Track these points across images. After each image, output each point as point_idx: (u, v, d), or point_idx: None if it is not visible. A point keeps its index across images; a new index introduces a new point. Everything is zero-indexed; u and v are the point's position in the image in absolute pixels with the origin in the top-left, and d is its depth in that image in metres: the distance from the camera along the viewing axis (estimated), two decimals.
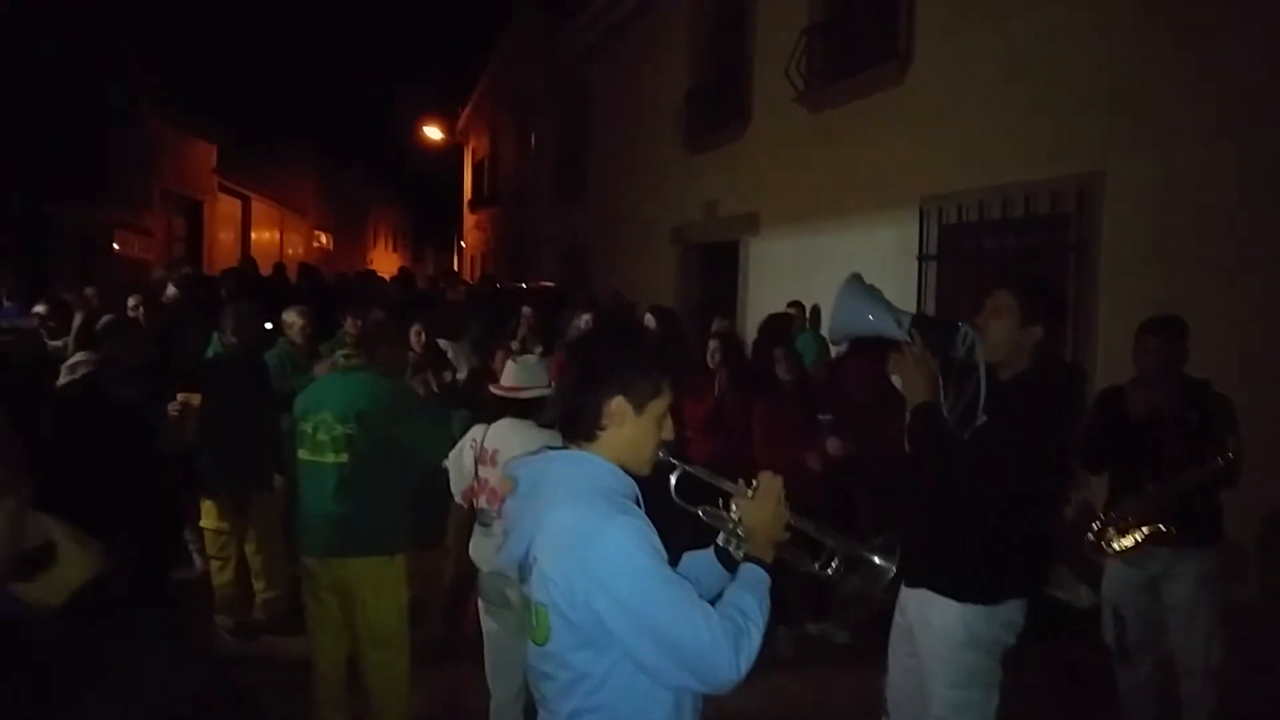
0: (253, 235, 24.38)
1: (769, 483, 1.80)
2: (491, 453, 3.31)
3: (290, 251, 26.83)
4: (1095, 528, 3.64)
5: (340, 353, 3.72)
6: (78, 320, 5.32)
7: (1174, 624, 3.59)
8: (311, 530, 3.48)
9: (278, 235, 26.98)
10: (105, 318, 4.68)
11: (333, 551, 3.42)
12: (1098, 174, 5.14)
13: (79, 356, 4.61)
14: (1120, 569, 3.66)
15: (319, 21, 58.26)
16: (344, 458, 3.38)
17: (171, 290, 6.94)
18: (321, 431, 3.40)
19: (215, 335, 4.89)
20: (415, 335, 5.69)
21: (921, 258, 6.45)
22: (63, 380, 4.34)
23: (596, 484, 1.68)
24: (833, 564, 1.89)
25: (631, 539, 1.58)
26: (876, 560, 1.85)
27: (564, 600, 1.59)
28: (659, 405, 1.76)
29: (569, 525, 1.61)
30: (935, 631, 2.60)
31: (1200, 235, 4.60)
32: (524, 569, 1.71)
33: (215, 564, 4.77)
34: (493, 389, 3.58)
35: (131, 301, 5.17)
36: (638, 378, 1.74)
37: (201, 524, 4.79)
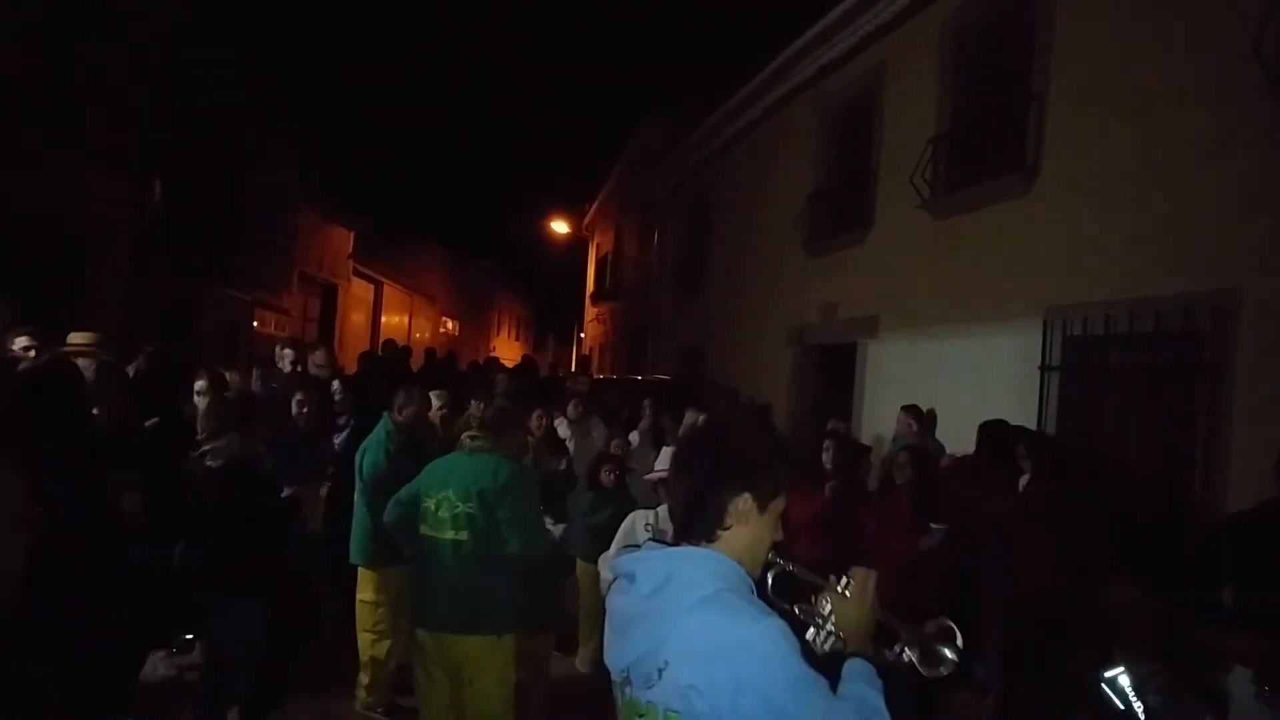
0: (383, 318, 25.73)
1: (863, 577, 1.80)
2: (663, 530, 3.49)
3: (418, 335, 28.19)
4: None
5: (467, 434, 3.88)
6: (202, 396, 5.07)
7: None
8: (428, 605, 3.65)
9: (407, 319, 28.38)
10: (241, 394, 4.96)
11: (447, 627, 3.56)
12: (1233, 290, 5.02)
13: (225, 439, 4.34)
14: (1249, 698, 3.45)
15: (459, 115, 62.26)
16: (463, 535, 3.55)
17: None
18: (444, 509, 3.59)
19: (385, 415, 5.11)
20: (537, 420, 5.95)
21: (1044, 368, 6.35)
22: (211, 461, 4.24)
23: (728, 584, 1.62)
24: (903, 652, 1.87)
25: (781, 642, 1.53)
26: (942, 650, 1.83)
27: (706, 707, 1.51)
28: (779, 504, 1.74)
29: (716, 630, 1.54)
30: None
31: None
32: (639, 672, 1.62)
33: (368, 638, 4.85)
34: (646, 478, 3.78)
35: (298, 397, 5.35)
36: (765, 475, 1.71)
37: (360, 597, 4.92)
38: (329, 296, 21.79)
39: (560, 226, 25.96)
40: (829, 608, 1.83)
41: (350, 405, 6.16)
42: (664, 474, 3.61)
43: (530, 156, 66.35)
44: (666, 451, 3.71)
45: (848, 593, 1.80)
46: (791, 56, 10.84)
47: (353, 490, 4.99)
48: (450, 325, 34.73)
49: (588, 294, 27.75)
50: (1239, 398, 4.96)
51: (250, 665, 3.95)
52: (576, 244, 28.99)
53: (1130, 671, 4.67)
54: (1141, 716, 4.56)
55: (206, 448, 4.14)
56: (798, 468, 5.82)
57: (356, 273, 23.15)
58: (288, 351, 6.40)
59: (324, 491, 4.77)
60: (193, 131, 13.30)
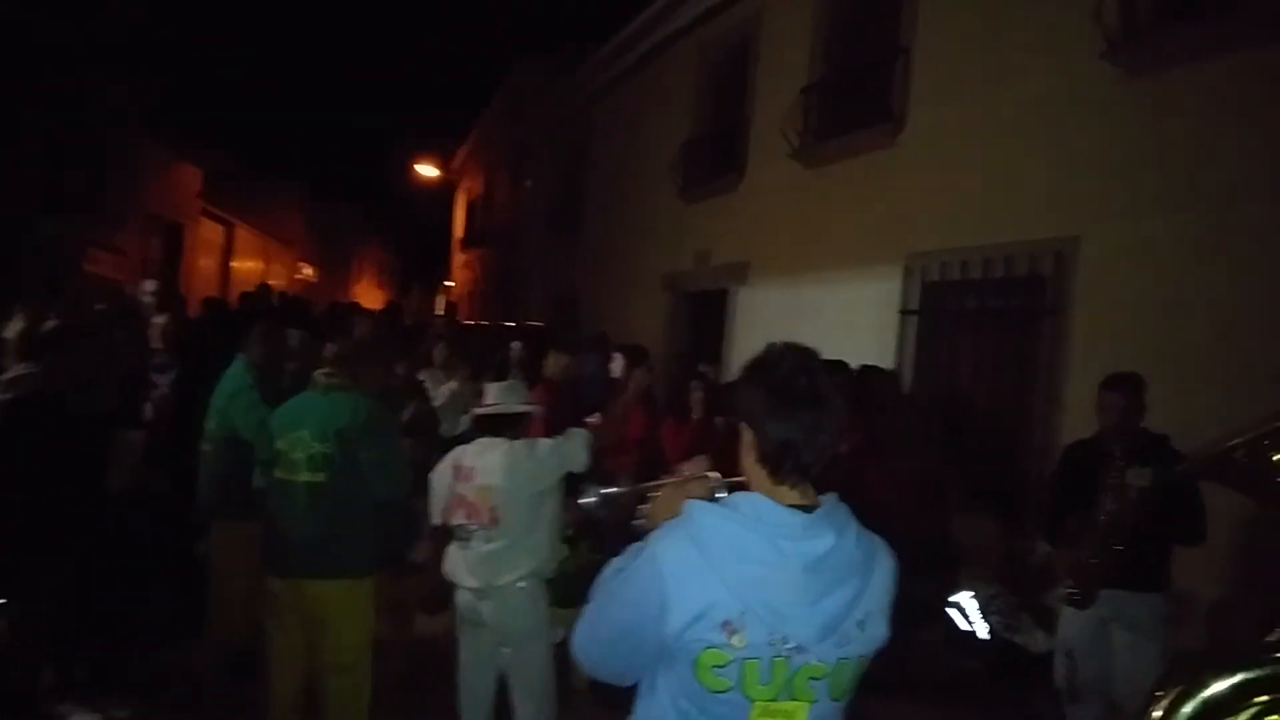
0: (234, 263, 24.34)
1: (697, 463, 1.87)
2: (468, 469, 3.43)
3: (273, 281, 26.82)
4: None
5: (321, 371, 3.66)
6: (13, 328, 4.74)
7: (1119, 666, 3.74)
8: (281, 550, 3.47)
9: (261, 264, 26.96)
10: (50, 323, 4.39)
11: (302, 572, 3.41)
12: (1073, 239, 5.40)
13: (20, 369, 4.02)
14: (1074, 612, 3.82)
15: (319, 52, 59.07)
16: (320, 477, 3.39)
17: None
18: (298, 450, 3.41)
19: (238, 356, 4.58)
20: (402, 370, 5.83)
21: (904, 312, 6.68)
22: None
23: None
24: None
25: None
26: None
27: (881, 642, 1.62)
28: None
29: (890, 568, 1.65)
30: None
31: (1168, 301, 4.84)
32: (837, 632, 1.55)
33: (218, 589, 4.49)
34: (475, 410, 3.71)
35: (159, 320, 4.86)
36: None
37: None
38: (173, 237, 20.39)
39: (428, 170, 25.09)
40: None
41: (174, 343, 5.71)
42: (492, 404, 3.55)
43: (398, 98, 63.77)
44: (491, 386, 3.65)
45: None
46: (669, 2, 10.80)
47: (184, 438, 4.61)
48: (308, 271, 33.22)
49: (456, 240, 27.12)
50: (1076, 339, 5.37)
51: (51, 632, 3.63)
52: (445, 188, 28.16)
53: (976, 595, 5.06)
54: (984, 635, 4.96)
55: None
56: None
57: (206, 213, 21.72)
58: (149, 283, 5.88)
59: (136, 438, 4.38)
60: (22, 42, 12.02)
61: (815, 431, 1.57)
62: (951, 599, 5.18)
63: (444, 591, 3.61)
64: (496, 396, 3.57)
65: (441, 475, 3.55)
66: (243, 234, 24.90)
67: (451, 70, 60.97)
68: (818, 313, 7.75)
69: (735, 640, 1.49)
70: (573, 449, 3.54)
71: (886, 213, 7.04)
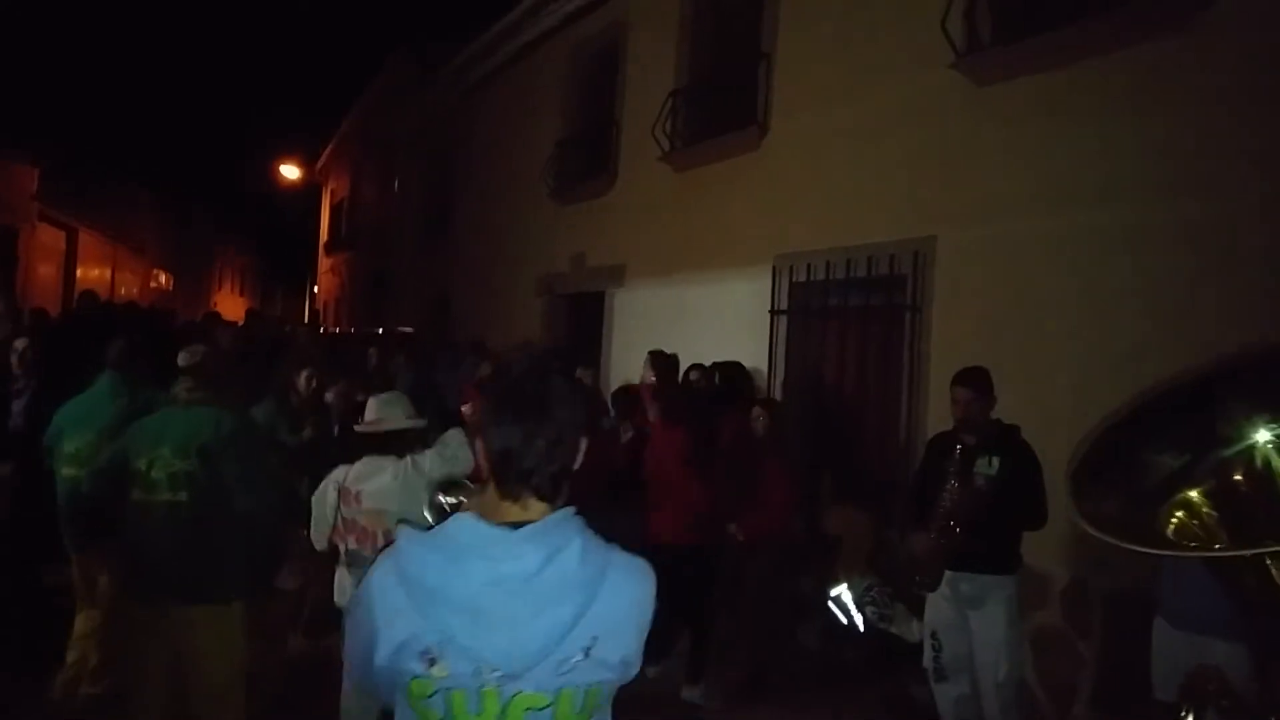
0: (79, 270, 22.72)
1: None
2: (355, 493, 3.30)
3: (123, 290, 25.21)
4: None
5: (182, 385, 3.48)
6: None
7: (976, 645, 3.96)
8: (142, 575, 3.29)
9: (109, 272, 25.27)
10: None
11: (166, 598, 3.24)
12: (930, 238, 5.66)
13: None
14: (936, 597, 4.03)
15: (173, 44, 55.80)
16: (182, 495, 3.23)
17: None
18: (158, 468, 3.24)
19: (107, 370, 4.40)
20: (306, 380, 5.57)
21: (774, 312, 6.84)
22: None
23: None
24: None
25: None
26: None
27: (626, 667, 1.50)
28: None
29: (628, 588, 1.51)
30: None
31: (1018, 297, 5.14)
32: (549, 661, 1.43)
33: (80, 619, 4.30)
34: (356, 427, 3.58)
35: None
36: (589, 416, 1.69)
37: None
38: (6, 242, 18.87)
39: (291, 171, 24.09)
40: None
41: (32, 366, 5.34)
42: (373, 422, 3.45)
43: (259, 95, 60.91)
44: (372, 401, 3.55)
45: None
46: (538, 1, 10.72)
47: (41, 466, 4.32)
48: (164, 279, 31.38)
49: (321, 244, 26.18)
50: (937, 334, 5.63)
51: None
52: (308, 190, 27.11)
53: (851, 587, 5.22)
54: (861, 627, 5.12)
55: None
56: None
57: (44, 217, 20.16)
58: None
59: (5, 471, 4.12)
60: None
61: (534, 439, 1.49)
62: (830, 594, 5.34)
63: (326, 615, 3.47)
64: (379, 412, 3.46)
65: (323, 497, 3.40)
66: (87, 239, 23.25)
67: (315, 67, 58.73)
68: (694, 314, 7.86)
69: (436, 670, 1.41)
70: (453, 453, 3.44)
71: (755, 215, 7.20)
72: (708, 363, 6.38)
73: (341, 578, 3.36)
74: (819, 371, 6.62)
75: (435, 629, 1.41)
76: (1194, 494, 1.06)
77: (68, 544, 4.24)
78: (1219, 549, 1.01)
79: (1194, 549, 1.05)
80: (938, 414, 5.45)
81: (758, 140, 7.21)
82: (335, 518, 3.31)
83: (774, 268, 6.85)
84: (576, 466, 1.55)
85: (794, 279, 6.71)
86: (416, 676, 1.42)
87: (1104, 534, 1.05)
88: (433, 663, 1.41)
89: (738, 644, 5.34)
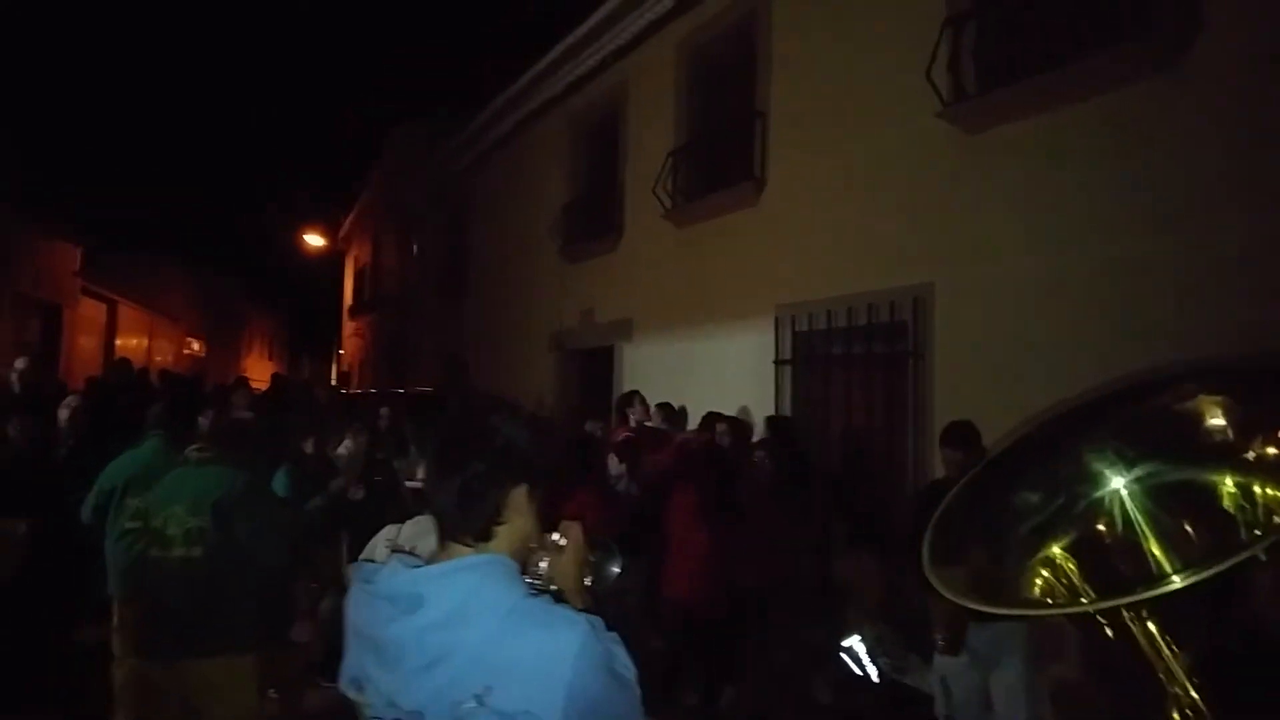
0: (119, 341, 23.39)
1: (572, 531, 1.75)
2: (410, 550, 3.37)
3: (159, 358, 25.83)
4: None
5: (193, 447, 3.65)
6: None
7: (994, 696, 3.90)
8: (154, 631, 3.38)
9: (146, 341, 25.96)
10: None
11: (179, 653, 3.30)
12: (928, 285, 5.70)
13: None
14: None
15: (201, 127, 57.60)
16: (196, 551, 3.33)
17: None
18: (172, 525, 3.35)
19: (151, 434, 4.68)
20: (314, 446, 5.69)
21: (778, 362, 6.89)
22: None
23: (522, 588, 1.52)
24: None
25: (600, 640, 1.48)
26: (610, 569, 2.00)
27: None
28: (540, 493, 1.66)
29: (539, 644, 1.43)
30: None
31: (1014, 339, 5.16)
32: (441, 706, 1.43)
33: None
34: (409, 484, 3.66)
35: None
36: (534, 465, 1.64)
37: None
38: (52, 318, 19.47)
39: (315, 239, 24.67)
40: (545, 564, 1.78)
41: (77, 428, 5.61)
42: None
43: (280, 168, 62.60)
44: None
45: (561, 542, 1.76)
46: (541, 71, 11.04)
47: (72, 523, 4.53)
48: (196, 346, 32.08)
49: (346, 308, 26.63)
50: (939, 378, 5.65)
51: None
52: (332, 257, 27.69)
53: (864, 638, 5.18)
54: (875, 679, 5.07)
55: None
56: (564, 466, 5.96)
57: (86, 292, 20.82)
58: (19, 363, 5.69)
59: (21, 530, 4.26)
60: None
61: (444, 483, 1.55)
62: (843, 644, 5.29)
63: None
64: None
65: (375, 553, 3.47)
66: (126, 311, 23.99)
67: (335, 140, 60.32)
68: (699, 366, 7.92)
69: (364, 699, 1.49)
70: None
71: (755, 267, 7.29)
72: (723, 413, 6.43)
73: (361, 659, 3.41)
74: (825, 420, 6.63)
75: (357, 661, 1.53)
76: (1057, 549, 1.06)
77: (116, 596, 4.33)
78: (1076, 606, 1.01)
79: (1052, 607, 1.05)
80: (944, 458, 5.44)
81: (755, 195, 7.33)
82: None
83: (776, 318, 6.92)
84: (504, 519, 1.55)
85: (796, 329, 6.77)
86: (355, 701, 1.53)
87: (960, 598, 1.05)
88: (360, 692, 1.50)
89: (748, 696, 5.30)
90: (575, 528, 1.76)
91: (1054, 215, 5.03)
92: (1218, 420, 1.07)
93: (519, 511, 1.59)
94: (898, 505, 5.91)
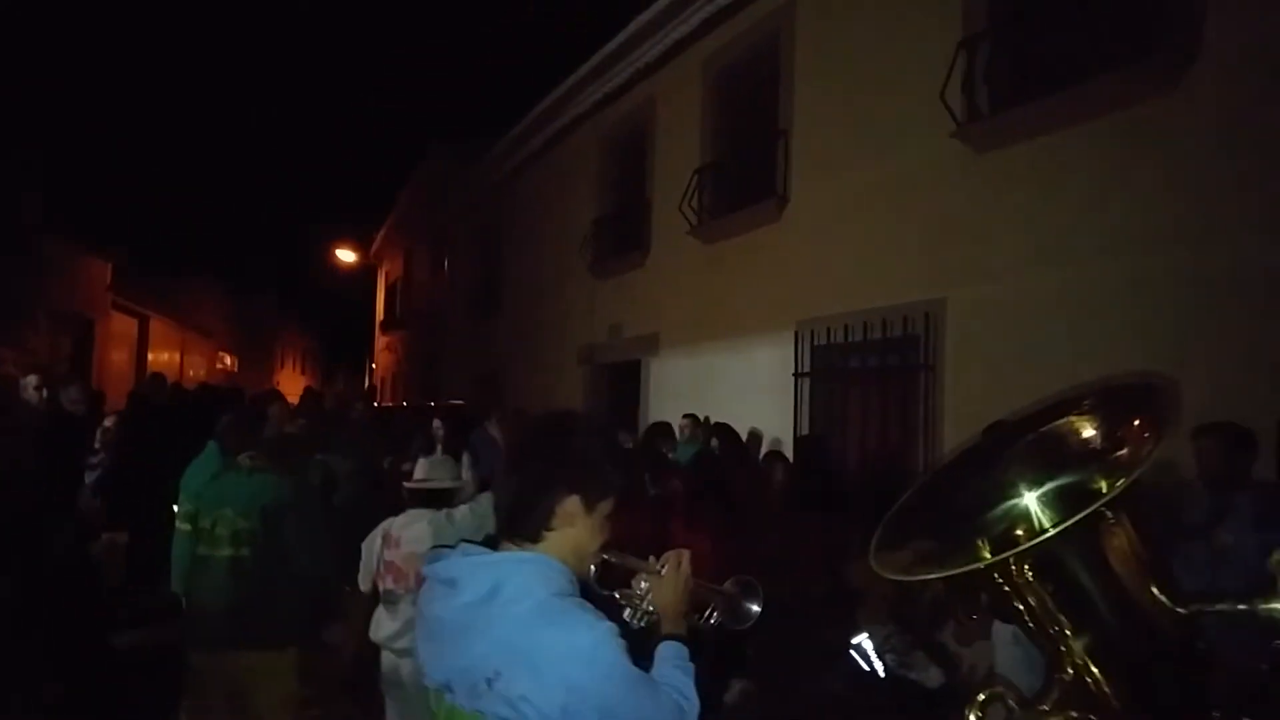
0: (150, 355, 23.92)
1: (675, 556, 1.87)
2: (396, 538, 3.66)
3: (191, 373, 26.39)
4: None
5: (246, 454, 3.89)
6: None
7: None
8: (203, 623, 3.62)
9: (178, 356, 26.52)
10: None
11: (224, 644, 3.54)
12: (941, 300, 5.89)
13: None
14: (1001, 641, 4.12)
15: (235, 143, 58.86)
16: (244, 551, 3.59)
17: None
18: (221, 526, 3.62)
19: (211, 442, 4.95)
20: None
21: (797, 375, 7.09)
22: None
23: (559, 589, 1.60)
24: (713, 616, 2.00)
25: (613, 647, 1.55)
26: (747, 605, 2.01)
27: (536, 715, 1.51)
28: (608, 505, 1.72)
29: (550, 640, 1.53)
30: None
31: (1022, 353, 5.33)
32: (465, 680, 1.57)
33: None
34: (406, 484, 3.94)
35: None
36: (592, 478, 1.70)
37: None
38: (84, 333, 20.00)
39: (347, 255, 25.18)
40: (645, 587, 1.89)
41: (112, 443, 5.88)
42: (423, 480, 3.83)
43: (315, 184, 63.74)
44: (423, 461, 3.95)
45: (662, 571, 1.86)
46: (569, 89, 11.36)
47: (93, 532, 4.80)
48: (229, 361, 32.72)
49: (378, 323, 27.10)
50: (949, 390, 5.82)
51: None
52: (365, 272, 28.22)
53: (872, 636, 5.35)
54: (882, 674, 5.23)
55: None
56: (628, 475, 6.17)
57: (117, 306, 21.36)
58: (31, 378, 5.95)
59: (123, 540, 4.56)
60: None
61: (506, 483, 1.71)
62: (853, 642, 5.46)
63: (367, 658, 3.79)
64: (426, 472, 3.84)
65: (372, 542, 3.78)
66: (158, 326, 24.52)
67: (367, 156, 61.37)
68: (723, 379, 8.13)
69: (419, 665, 1.72)
70: (484, 510, 3.77)
71: (777, 282, 7.51)
72: (738, 425, 6.63)
73: (379, 615, 3.68)
74: (842, 430, 6.81)
75: (417, 634, 1.74)
76: (980, 541, 1.33)
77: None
78: (977, 561, 1.25)
79: (957, 566, 1.29)
80: None
81: (778, 212, 7.56)
82: (378, 562, 3.66)
83: (796, 332, 7.12)
84: (554, 525, 1.66)
85: (815, 343, 6.97)
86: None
87: (890, 572, 1.36)
88: (414, 658, 1.74)
89: (761, 692, 5.47)
90: (681, 555, 1.87)
91: (1062, 233, 5.21)
92: (1089, 432, 1.37)
93: (570, 520, 1.66)
94: None
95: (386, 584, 3.64)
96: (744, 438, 6.67)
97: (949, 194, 5.95)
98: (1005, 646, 4.15)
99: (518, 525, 1.68)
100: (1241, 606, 1.15)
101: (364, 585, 3.80)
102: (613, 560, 1.86)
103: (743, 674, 5.50)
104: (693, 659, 1.77)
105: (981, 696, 1.30)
